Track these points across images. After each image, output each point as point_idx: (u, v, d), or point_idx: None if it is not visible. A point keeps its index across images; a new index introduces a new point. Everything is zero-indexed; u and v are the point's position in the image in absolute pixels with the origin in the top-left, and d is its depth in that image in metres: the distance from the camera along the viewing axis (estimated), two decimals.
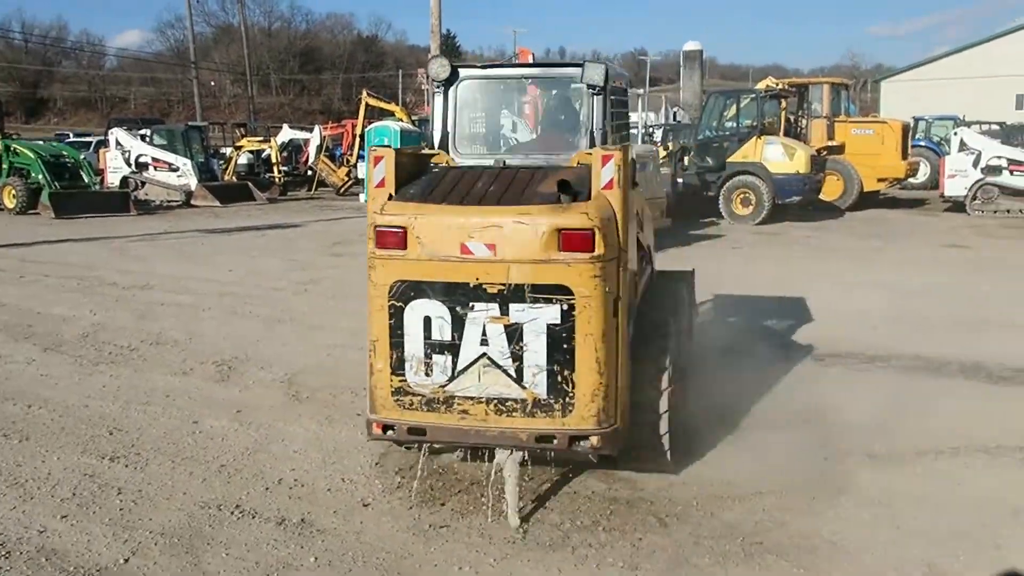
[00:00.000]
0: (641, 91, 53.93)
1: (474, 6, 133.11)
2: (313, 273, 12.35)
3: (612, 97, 5.14)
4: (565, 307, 4.13)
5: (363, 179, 19.53)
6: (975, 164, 20.03)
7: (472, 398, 4.26)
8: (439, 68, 5.16)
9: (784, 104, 19.53)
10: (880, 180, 21.76)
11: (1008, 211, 19.36)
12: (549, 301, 4.13)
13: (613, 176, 4.26)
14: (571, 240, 4.12)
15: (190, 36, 51.10)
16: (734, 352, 7.32)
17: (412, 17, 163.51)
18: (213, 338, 8.38)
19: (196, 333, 8.59)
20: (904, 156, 22.26)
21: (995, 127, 28.59)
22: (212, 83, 67.97)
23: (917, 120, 31.79)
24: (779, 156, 18.04)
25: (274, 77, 75.56)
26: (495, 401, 4.23)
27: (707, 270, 12.65)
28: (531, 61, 22.58)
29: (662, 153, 19.63)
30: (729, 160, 18.48)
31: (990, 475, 5.06)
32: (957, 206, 20.42)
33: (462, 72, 5.23)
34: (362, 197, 16.81)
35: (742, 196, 18.27)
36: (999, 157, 19.88)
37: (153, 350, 7.96)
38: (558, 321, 4.14)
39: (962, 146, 20.71)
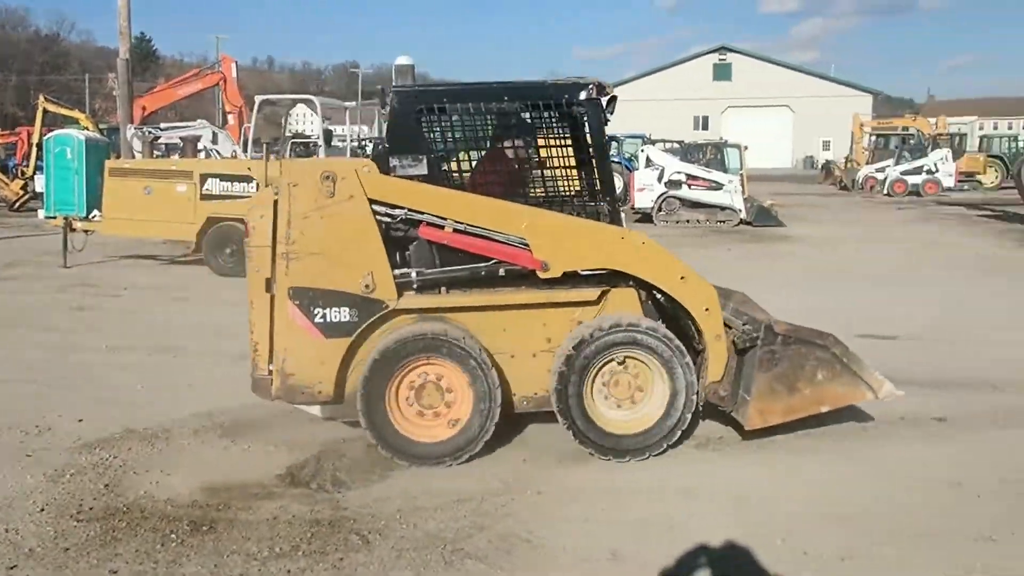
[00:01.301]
0: (353, 104, 53.92)
1: (174, 7, 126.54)
2: None
3: None
4: None
5: (42, 193, 17.76)
6: (659, 179, 21.94)
7: None
8: None
9: None
10: None
11: (688, 221, 21.40)
12: None
13: None
14: None
15: None
16: None
17: (98, 17, 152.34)
18: None
19: None
20: None
21: (676, 145, 31.46)
22: None
23: (611, 138, 34.26)
24: None
25: None
26: None
27: None
28: (234, 70, 21.65)
29: None
30: None
31: (667, 462, 5.50)
32: (646, 217, 22.22)
33: None
34: (41, 213, 15.29)
35: None
36: (679, 172, 21.95)
37: None
38: None
39: (648, 162, 22.64)
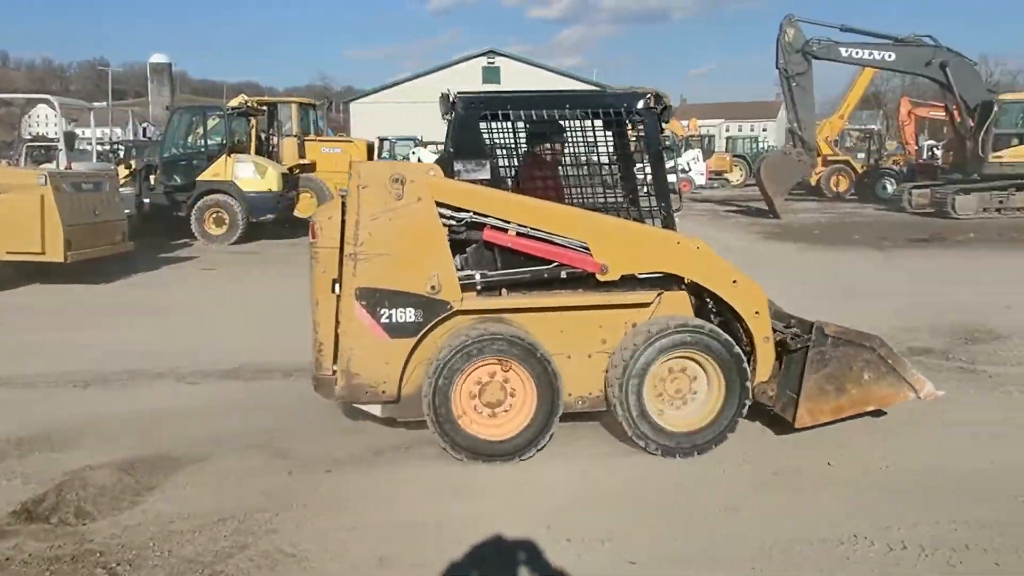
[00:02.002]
0: (101, 104, 50.51)
1: None
2: None
3: None
4: None
5: None
6: None
7: None
8: None
9: (254, 122, 19.60)
10: None
11: None
12: None
13: None
14: None
15: None
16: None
17: None
18: None
19: None
20: None
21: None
22: None
23: (382, 140, 34.14)
24: (251, 174, 18.04)
25: None
26: None
27: (174, 294, 12.32)
28: None
29: (123, 172, 18.48)
30: (199, 179, 18.02)
31: (438, 463, 5.50)
32: None
33: None
34: None
35: (215, 215, 17.92)
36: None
37: None
38: None
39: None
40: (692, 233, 5.98)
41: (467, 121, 5.79)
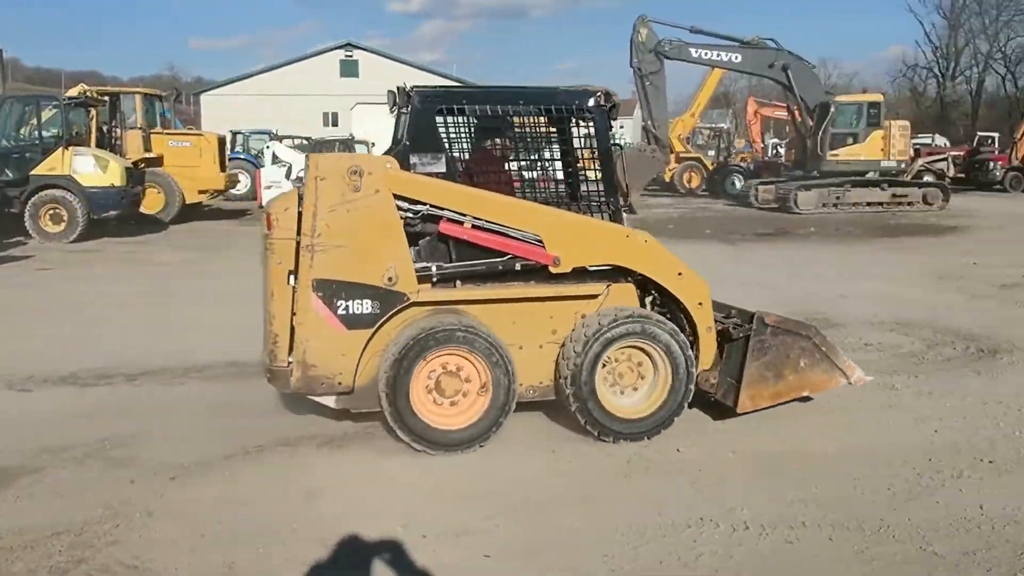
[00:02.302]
0: None
1: None
2: None
3: None
4: None
5: None
6: (287, 175, 21.55)
7: None
8: None
9: (94, 113, 18.63)
10: (201, 192, 22.03)
11: None
12: None
13: None
14: None
15: None
16: None
17: None
18: None
19: None
20: (223, 168, 22.91)
21: (304, 141, 31.15)
22: None
23: (235, 133, 33.10)
24: (91, 168, 17.10)
25: None
26: None
27: (5, 297, 11.59)
28: None
29: None
30: (33, 173, 16.93)
31: (291, 467, 5.39)
32: None
33: None
34: None
35: (51, 212, 16.87)
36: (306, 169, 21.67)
37: None
38: None
39: (275, 159, 22.18)
40: None
41: (423, 115, 5.84)
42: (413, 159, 5.79)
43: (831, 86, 36.16)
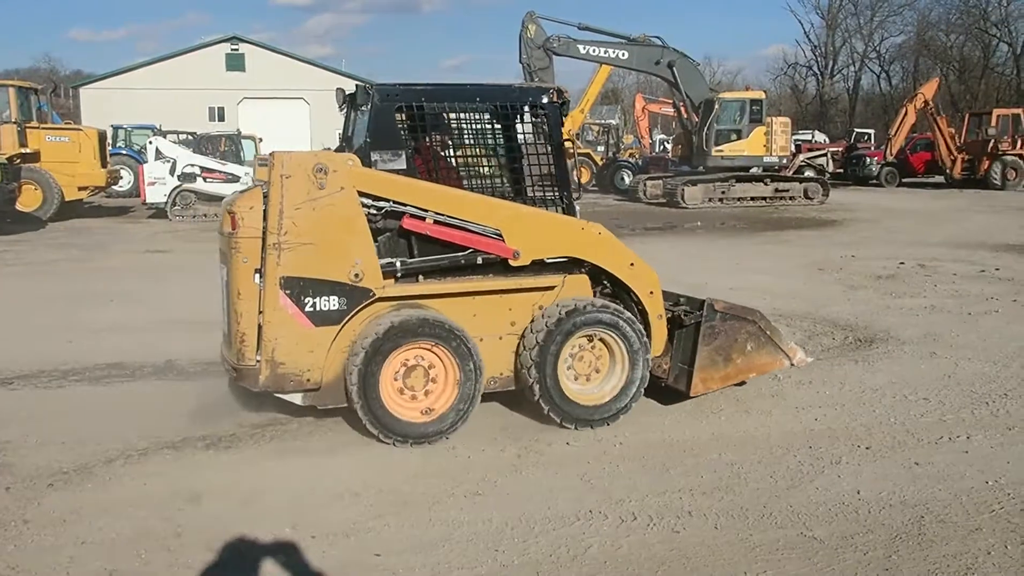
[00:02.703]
0: None
1: None
2: None
3: None
4: None
5: None
6: (172, 171, 20.91)
7: None
8: None
9: None
10: (81, 188, 21.32)
11: (205, 215, 20.63)
12: None
13: None
14: None
15: None
16: None
17: None
18: None
19: None
20: (104, 164, 22.15)
21: (189, 136, 30.27)
22: None
23: (117, 128, 31.95)
24: None
25: None
26: None
27: None
28: None
29: None
30: None
31: (174, 472, 5.27)
32: (160, 212, 21.08)
33: None
34: None
35: None
36: (193, 165, 21.10)
37: None
38: None
39: (158, 154, 21.47)
40: None
41: (384, 112, 5.87)
42: (374, 156, 5.81)
43: (715, 83, 37.34)
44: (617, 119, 45.71)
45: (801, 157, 32.79)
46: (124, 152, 30.02)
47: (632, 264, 6.20)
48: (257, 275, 5.45)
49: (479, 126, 6.42)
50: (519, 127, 6.45)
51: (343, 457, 5.47)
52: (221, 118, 53.10)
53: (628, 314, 6.06)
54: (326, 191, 5.41)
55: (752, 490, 5.01)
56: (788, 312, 9.83)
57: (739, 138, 25.52)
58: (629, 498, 4.87)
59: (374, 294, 5.56)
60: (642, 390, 6.10)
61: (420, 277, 5.82)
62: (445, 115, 6.19)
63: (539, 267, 5.99)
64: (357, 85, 6.11)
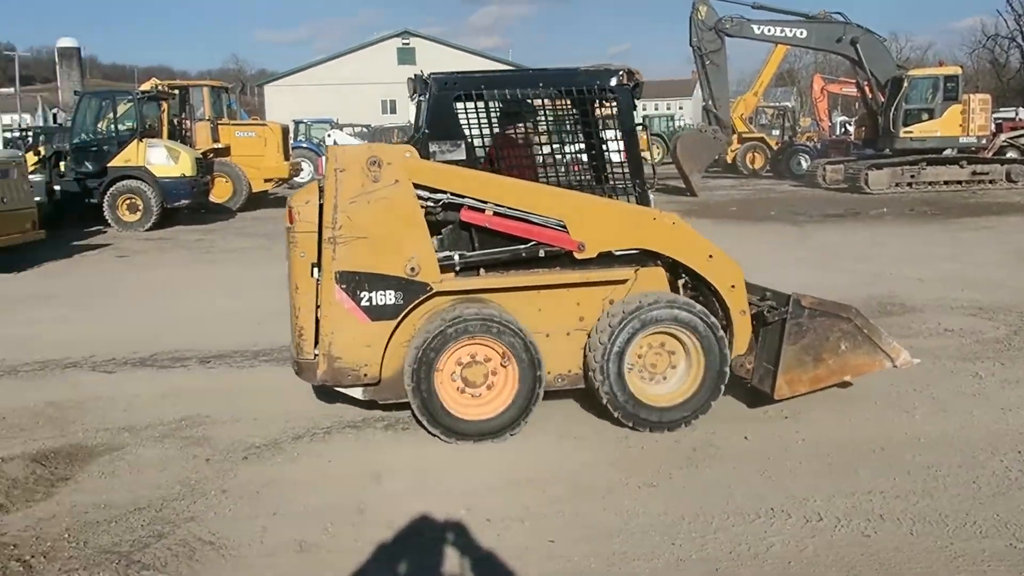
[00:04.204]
0: (10, 90, 48.57)
1: None
2: None
3: None
4: None
5: None
6: None
7: None
8: None
9: (165, 106, 19.09)
10: (267, 180, 22.49)
11: None
12: None
13: None
14: None
15: None
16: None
17: None
18: None
19: None
20: (286, 157, 23.30)
21: (364, 129, 31.44)
22: None
23: (297, 123, 33.59)
24: (164, 159, 17.60)
25: None
26: None
27: (87, 283, 11.95)
28: None
29: (32, 159, 17.81)
30: (111, 165, 17.50)
31: (358, 449, 5.48)
32: None
33: None
34: None
35: (128, 202, 17.44)
36: None
37: None
38: None
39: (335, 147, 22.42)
40: None
41: (441, 102, 5.78)
42: (432, 147, 5.73)
43: (903, 60, 35.25)
44: (793, 101, 44.07)
45: (1002, 137, 30.32)
46: (304, 145, 31.47)
47: (711, 256, 5.78)
48: (314, 269, 5.45)
49: (544, 113, 6.21)
50: (587, 112, 6.16)
51: (515, 443, 5.49)
52: (393, 111, 54.93)
53: (700, 308, 5.62)
54: (380, 184, 5.32)
55: (952, 495, 4.64)
56: (989, 305, 9.14)
57: (931, 118, 23.82)
58: (813, 497, 4.63)
59: (431, 288, 5.44)
60: (720, 391, 5.67)
61: (481, 270, 5.67)
62: (507, 102, 5.94)
63: (609, 260, 5.71)
64: (415, 75, 5.98)
